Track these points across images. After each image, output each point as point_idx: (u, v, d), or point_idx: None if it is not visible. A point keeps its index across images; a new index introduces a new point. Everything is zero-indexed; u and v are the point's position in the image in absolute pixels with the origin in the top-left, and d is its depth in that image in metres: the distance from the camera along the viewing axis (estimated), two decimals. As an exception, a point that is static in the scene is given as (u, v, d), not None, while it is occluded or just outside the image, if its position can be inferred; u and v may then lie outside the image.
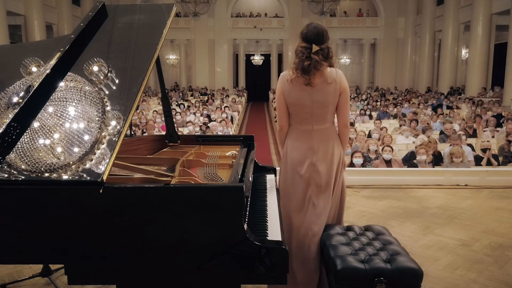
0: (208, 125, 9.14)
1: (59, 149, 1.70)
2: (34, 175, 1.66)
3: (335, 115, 2.40)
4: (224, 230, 1.62)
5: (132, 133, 7.86)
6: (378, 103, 14.80)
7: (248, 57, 24.78)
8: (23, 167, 1.67)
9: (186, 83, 24.13)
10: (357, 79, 25.02)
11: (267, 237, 1.79)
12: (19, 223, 1.64)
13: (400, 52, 23.13)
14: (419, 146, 6.13)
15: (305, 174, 2.34)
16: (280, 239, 1.77)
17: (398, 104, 13.74)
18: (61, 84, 1.85)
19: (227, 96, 19.01)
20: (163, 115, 3.11)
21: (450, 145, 6.40)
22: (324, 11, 18.68)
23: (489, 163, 6.14)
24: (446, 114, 11.17)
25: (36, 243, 1.66)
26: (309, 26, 2.30)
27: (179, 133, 3.10)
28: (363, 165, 5.76)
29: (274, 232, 1.85)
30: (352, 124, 9.16)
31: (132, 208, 1.63)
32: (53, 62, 1.90)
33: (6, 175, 1.65)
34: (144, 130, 8.38)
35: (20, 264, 2.92)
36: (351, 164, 5.73)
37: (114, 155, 1.69)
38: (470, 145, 6.83)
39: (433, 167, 5.95)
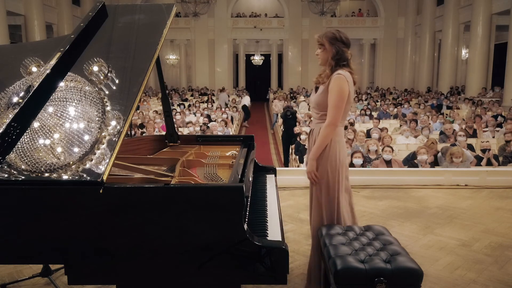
0: (208, 125, 9.14)
1: (59, 149, 1.70)
2: (34, 175, 1.66)
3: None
4: (224, 230, 1.62)
5: (134, 133, 7.87)
6: (378, 103, 14.80)
7: (248, 57, 24.78)
8: (23, 167, 1.67)
9: (186, 83, 24.14)
10: (357, 79, 24.97)
11: (267, 237, 1.79)
12: (19, 223, 1.64)
13: (400, 52, 23.14)
14: (419, 146, 6.13)
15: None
16: (280, 239, 1.77)
17: (399, 104, 13.75)
18: (61, 84, 1.85)
19: (228, 95, 18.98)
20: (163, 115, 3.12)
21: (449, 145, 6.40)
22: (324, 11, 18.67)
23: (489, 163, 6.15)
24: (446, 114, 11.17)
25: (36, 243, 1.66)
26: (342, 32, 2.42)
27: (179, 133, 3.10)
28: (363, 165, 5.76)
29: (274, 232, 1.85)
30: (352, 124, 9.18)
31: (132, 208, 1.63)
32: (53, 62, 1.90)
33: (6, 175, 1.65)
34: (145, 130, 8.38)
35: (20, 264, 2.92)
36: (351, 164, 5.73)
37: (114, 155, 1.70)
38: (470, 145, 6.83)
39: (433, 167, 5.95)
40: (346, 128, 8.46)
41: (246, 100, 15.64)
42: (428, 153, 5.89)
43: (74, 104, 1.78)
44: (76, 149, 1.70)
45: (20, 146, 1.69)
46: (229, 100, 16.51)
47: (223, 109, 12.79)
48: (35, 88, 1.75)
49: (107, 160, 1.67)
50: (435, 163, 6.08)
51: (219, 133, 8.49)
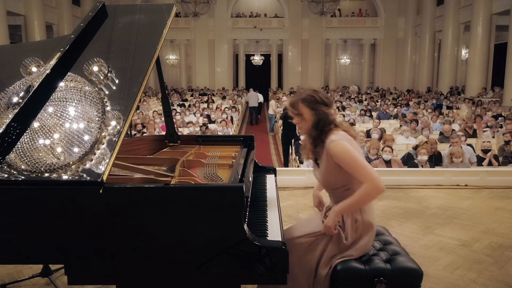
0: (208, 125, 9.15)
1: (59, 149, 1.70)
2: (34, 175, 1.66)
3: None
4: (224, 230, 1.62)
5: (134, 133, 7.86)
6: (378, 103, 14.79)
7: (248, 57, 24.77)
8: (23, 167, 1.67)
9: (186, 83, 24.14)
10: (357, 79, 25.02)
11: (267, 237, 1.79)
12: (19, 223, 1.64)
13: (400, 52, 23.14)
14: (420, 146, 6.13)
15: None
16: (280, 239, 1.77)
17: (399, 104, 13.75)
18: (61, 84, 1.85)
19: (225, 97, 18.93)
20: (163, 115, 3.11)
21: (450, 146, 6.40)
22: (324, 11, 18.67)
23: (489, 163, 6.15)
24: (446, 114, 11.17)
25: (36, 243, 1.66)
26: (320, 91, 2.01)
27: (179, 133, 3.10)
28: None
29: (274, 232, 1.85)
30: (352, 124, 9.17)
31: (132, 208, 1.63)
32: (53, 62, 1.90)
33: (6, 175, 1.65)
34: (145, 131, 8.38)
35: (20, 264, 2.92)
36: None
37: (114, 155, 1.70)
38: (470, 145, 6.83)
39: (433, 167, 5.95)
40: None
41: (261, 98, 16.79)
42: (428, 153, 5.89)
43: (74, 104, 1.78)
44: (76, 149, 1.70)
45: (20, 146, 1.69)
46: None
47: (222, 110, 12.79)
48: (35, 88, 1.75)
49: (107, 160, 1.67)
50: (435, 162, 6.08)
51: (219, 133, 8.49)
